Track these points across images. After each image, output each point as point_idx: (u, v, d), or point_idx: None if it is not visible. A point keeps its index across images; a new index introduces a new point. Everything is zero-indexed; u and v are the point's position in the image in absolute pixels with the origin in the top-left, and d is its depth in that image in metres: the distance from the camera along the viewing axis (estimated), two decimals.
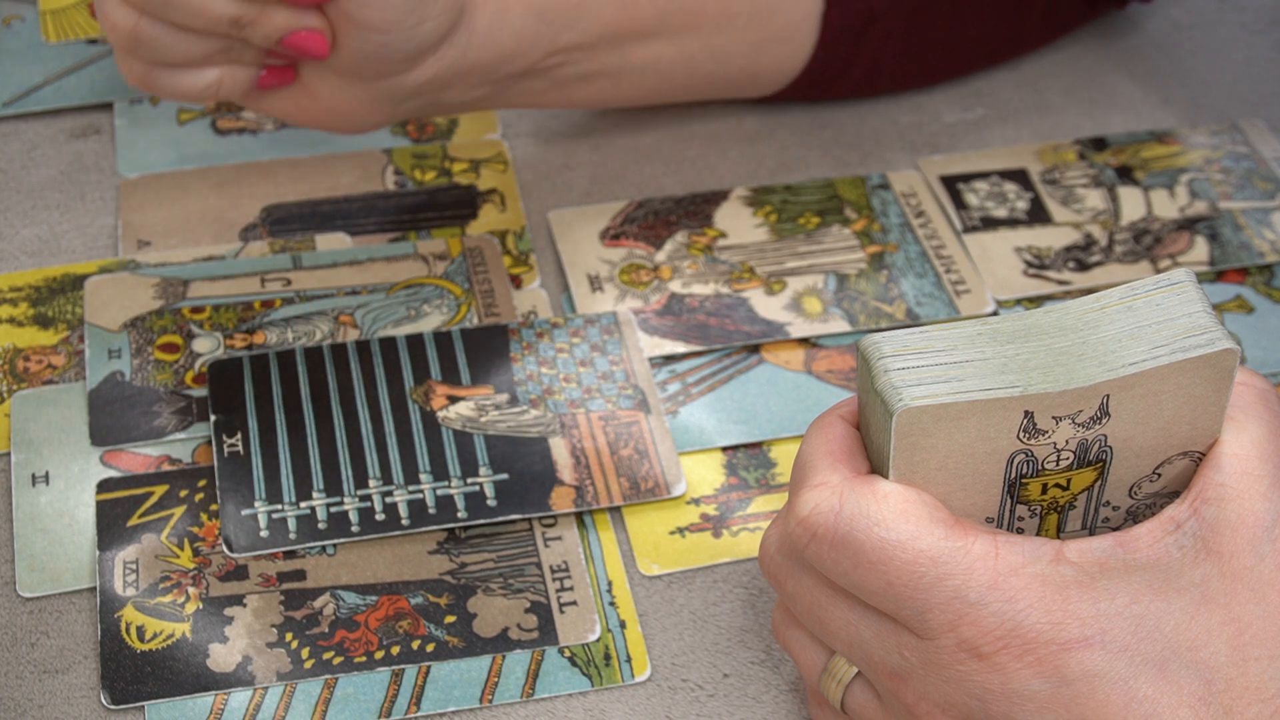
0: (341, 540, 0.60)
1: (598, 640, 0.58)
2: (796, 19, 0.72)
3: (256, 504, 0.61)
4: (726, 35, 0.71)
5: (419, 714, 0.56)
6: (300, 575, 0.59)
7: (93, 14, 0.83)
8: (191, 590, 0.58)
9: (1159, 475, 0.48)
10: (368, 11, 0.61)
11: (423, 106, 0.68)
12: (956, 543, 0.45)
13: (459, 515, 0.60)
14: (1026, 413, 0.45)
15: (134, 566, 0.59)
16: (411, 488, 0.61)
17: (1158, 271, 0.71)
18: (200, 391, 0.65)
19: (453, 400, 0.64)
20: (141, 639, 0.57)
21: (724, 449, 0.64)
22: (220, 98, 0.64)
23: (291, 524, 0.60)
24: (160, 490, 0.61)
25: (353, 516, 0.60)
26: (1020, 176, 0.76)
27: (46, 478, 0.62)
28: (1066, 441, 0.46)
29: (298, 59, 0.64)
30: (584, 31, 0.67)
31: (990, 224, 0.73)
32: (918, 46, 0.77)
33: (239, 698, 0.56)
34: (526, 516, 0.61)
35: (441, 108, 0.69)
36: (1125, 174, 0.76)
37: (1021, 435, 0.45)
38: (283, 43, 0.62)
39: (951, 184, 0.75)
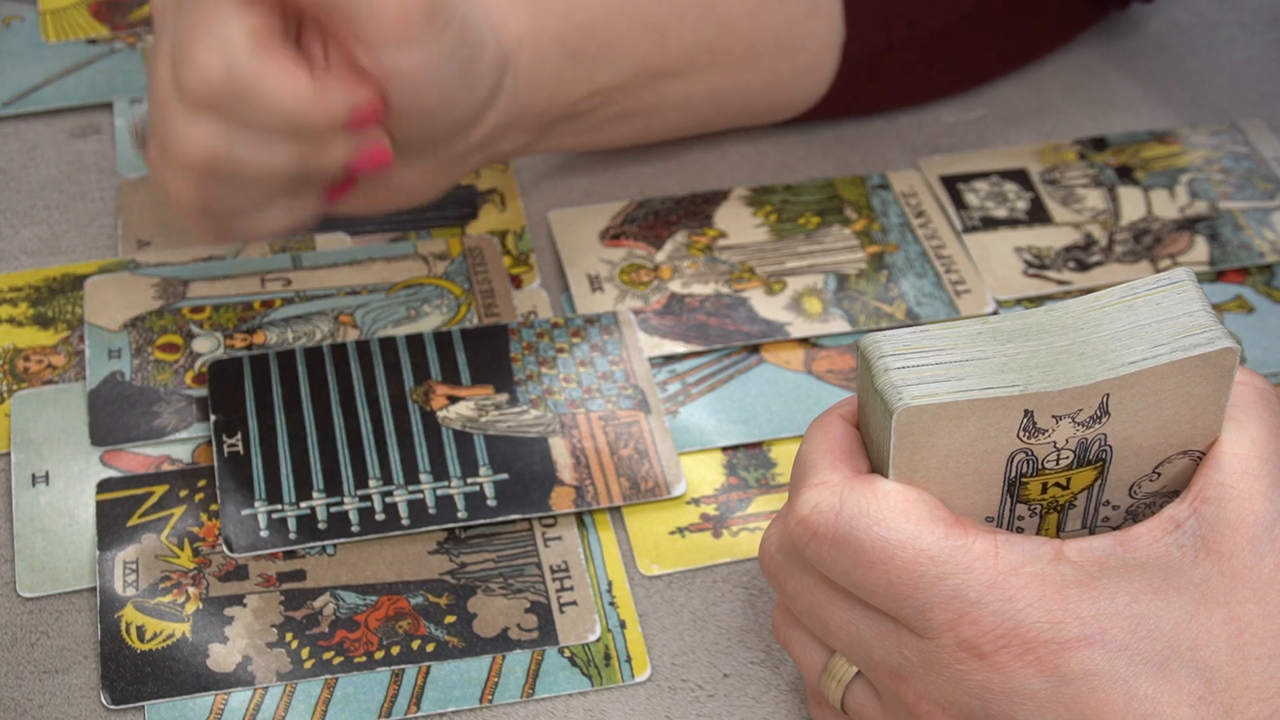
0: (341, 540, 0.60)
1: (598, 640, 0.58)
2: (818, 51, 0.73)
3: (256, 504, 0.61)
4: (753, 71, 0.72)
5: (419, 714, 0.56)
6: (300, 575, 0.59)
7: (93, 14, 0.83)
8: (191, 590, 0.58)
9: (1159, 474, 0.48)
10: (422, 99, 0.59)
11: (481, 161, 0.68)
12: (956, 542, 0.45)
13: (459, 515, 0.60)
14: (1026, 411, 0.45)
15: (134, 566, 0.59)
16: (411, 488, 0.61)
17: (1158, 271, 0.71)
18: (200, 391, 0.65)
19: (453, 400, 0.64)
20: (141, 639, 0.57)
21: (724, 449, 0.64)
22: (293, 230, 0.62)
23: (291, 524, 0.60)
24: (160, 490, 0.61)
25: (353, 516, 0.60)
26: (1020, 176, 0.76)
27: (46, 478, 0.62)
28: (1066, 440, 0.46)
29: (365, 177, 0.63)
30: (619, 70, 0.68)
31: (990, 224, 0.73)
32: (936, 68, 0.77)
33: (239, 698, 0.56)
34: (526, 516, 0.61)
35: (496, 158, 0.69)
36: (1125, 174, 0.76)
37: (1021, 434, 0.45)
38: (349, 169, 0.60)
39: (951, 184, 0.76)
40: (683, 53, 0.69)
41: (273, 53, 0.56)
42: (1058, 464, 0.47)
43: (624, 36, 0.68)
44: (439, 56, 0.58)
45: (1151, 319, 0.45)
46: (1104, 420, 0.46)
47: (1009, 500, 0.48)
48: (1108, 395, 0.45)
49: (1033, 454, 0.46)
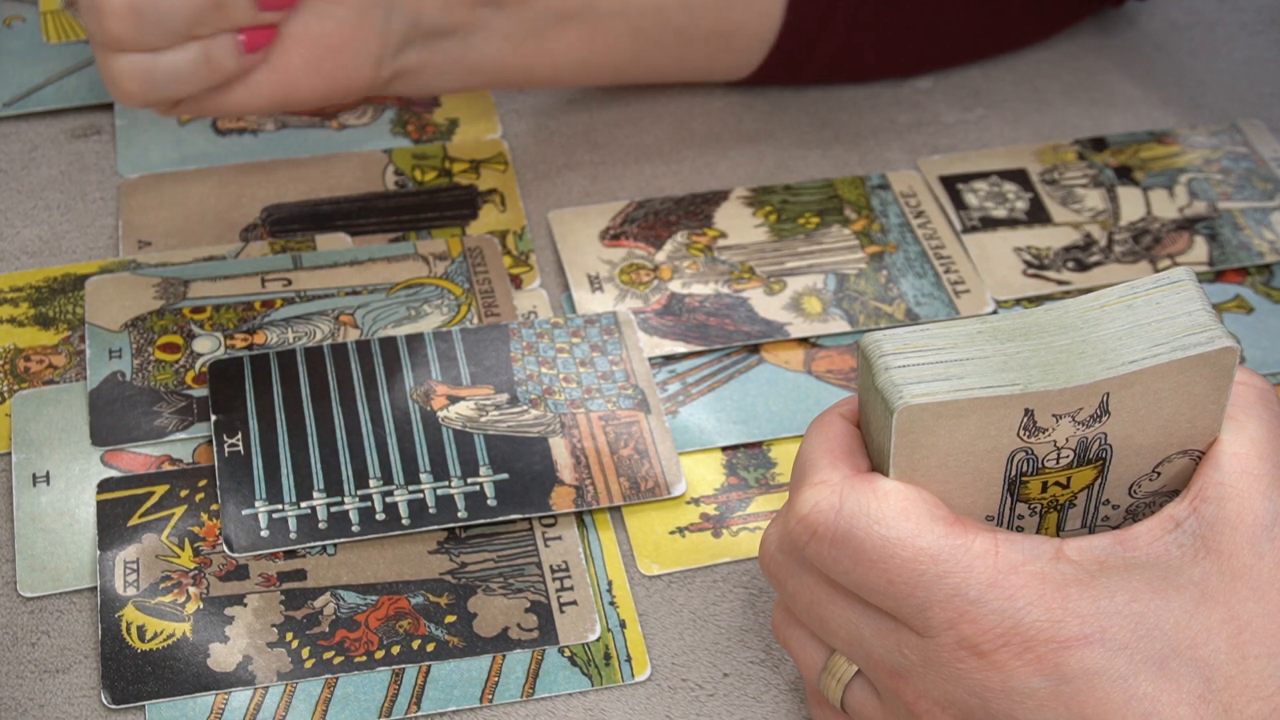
0: (342, 540, 0.60)
1: (598, 640, 0.58)
2: None
3: (257, 504, 0.61)
4: None
5: (419, 714, 0.56)
6: (301, 575, 0.59)
7: None
8: (192, 590, 0.58)
9: (1159, 474, 0.48)
10: None
11: (407, 43, 0.67)
12: (956, 540, 0.45)
13: (459, 515, 0.60)
14: (1027, 410, 0.45)
15: (134, 566, 0.59)
16: (412, 487, 0.61)
17: (1157, 271, 0.71)
18: (201, 391, 0.65)
19: (453, 400, 0.64)
20: (142, 639, 0.57)
21: (724, 449, 0.64)
22: (213, 77, 0.63)
23: (292, 524, 0.60)
24: (161, 490, 0.61)
25: (353, 516, 0.60)
26: (1020, 176, 0.76)
27: (47, 477, 0.62)
28: (1066, 439, 0.46)
29: (278, 9, 0.63)
30: None
31: (990, 224, 0.73)
32: (891, 28, 0.77)
33: (239, 697, 0.56)
34: (526, 516, 0.61)
35: (431, 63, 0.68)
36: (1125, 174, 0.76)
37: (1022, 433, 0.45)
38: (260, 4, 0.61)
39: (951, 184, 0.76)
40: None
41: None
42: (1058, 463, 0.47)
43: None
44: None
45: (1151, 318, 0.45)
46: (1104, 419, 0.46)
47: (1009, 499, 0.48)
48: (1108, 394, 0.45)
49: (1033, 453, 0.46)
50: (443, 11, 0.67)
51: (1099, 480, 0.48)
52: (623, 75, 0.75)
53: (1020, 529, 0.49)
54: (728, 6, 0.73)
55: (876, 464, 0.48)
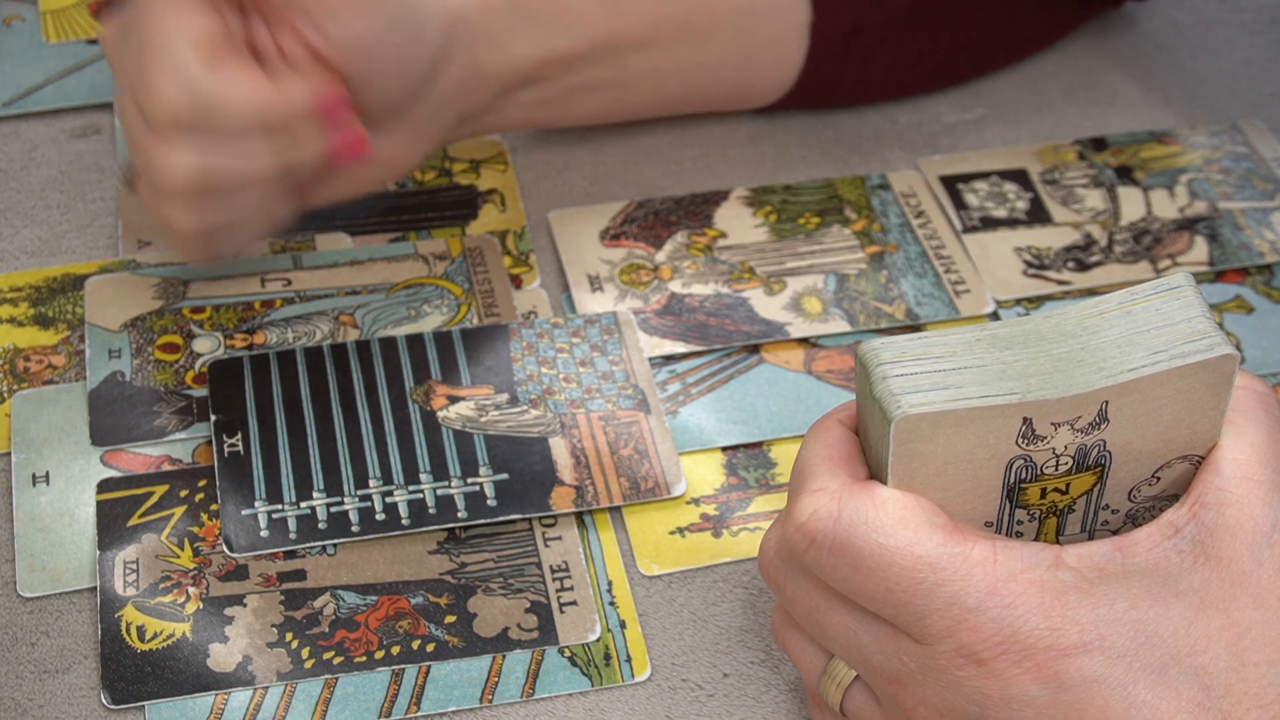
0: (342, 540, 0.60)
1: (598, 640, 0.58)
2: (784, 29, 0.73)
3: (257, 504, 0.61)
4: (717, 45, 0.72)
5: (419, 714, 0.56)
6: (300, 575, 0.59)
7: (93, 14, 0.83)
8: (192, 590, 0.58)
9: (1158, 479, 0.48)
10: (375, 64, 0.62)
11: (455, 129, 0.69)
12: (955, 548, 0.45)
13: (459, 515, 0.60)
14: (1025, 419, 0.45)
15: (134, 566, 0.59)
16: (412, 488, 0.61)
17: (1157, 271, 0.71)
18: (200, 391, 0.65)
19: (453, 400, 0.64)
20: (142, 639, 0.57)
21: (724, 449, 0.64)
22: (276, 232, 0.66)
23: (292, 524, 0.60)
24: (160, 490, 0.62)
25: (353, 516, 0.60)
26: (1020, 176, 0.76)
27: (47, 478, 0.62)
28: (1065, 446, 0.46)
29: (348, 167, 0.64)
30: (575, 36, 0.68)
31: (990, 224, 0.73)
32: (910, 55, 0.77)
33: (239, 697, 0.56)
34: (526, 516, 0.61)
35: (471, 128, 0.70)
36: (1125, 174, 0.76)
37: (1020, 441, 0.45)
38: (331, 161, 0.62)
39: (951, 184, 0.76)
40: (642, 22, 0.70)
41: (226, 61, 0.59)
42: (1057, 469, 0.47)
43: (578, 1, 0.68)
44: (383, 19, 0.61)
45: (1150, 325, 0.45)
46: (1103, 427, 0.46)
47: (1008, 506, 0.48)
48: (1107, 402, 0.45)
49: (1031, 460, 0.46)
50: (477, 100, 0.68)
51: (1098, 486, 0.48)
52: (641, 118, 0.77)
53: (1019, 535, 0.49)
54: (749, 62, 0.74)
55: (875, 471, 0.48)
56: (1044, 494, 0.47)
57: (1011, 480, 0.47)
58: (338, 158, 0.62)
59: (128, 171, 0.65)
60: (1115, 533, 0.49)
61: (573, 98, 0.71)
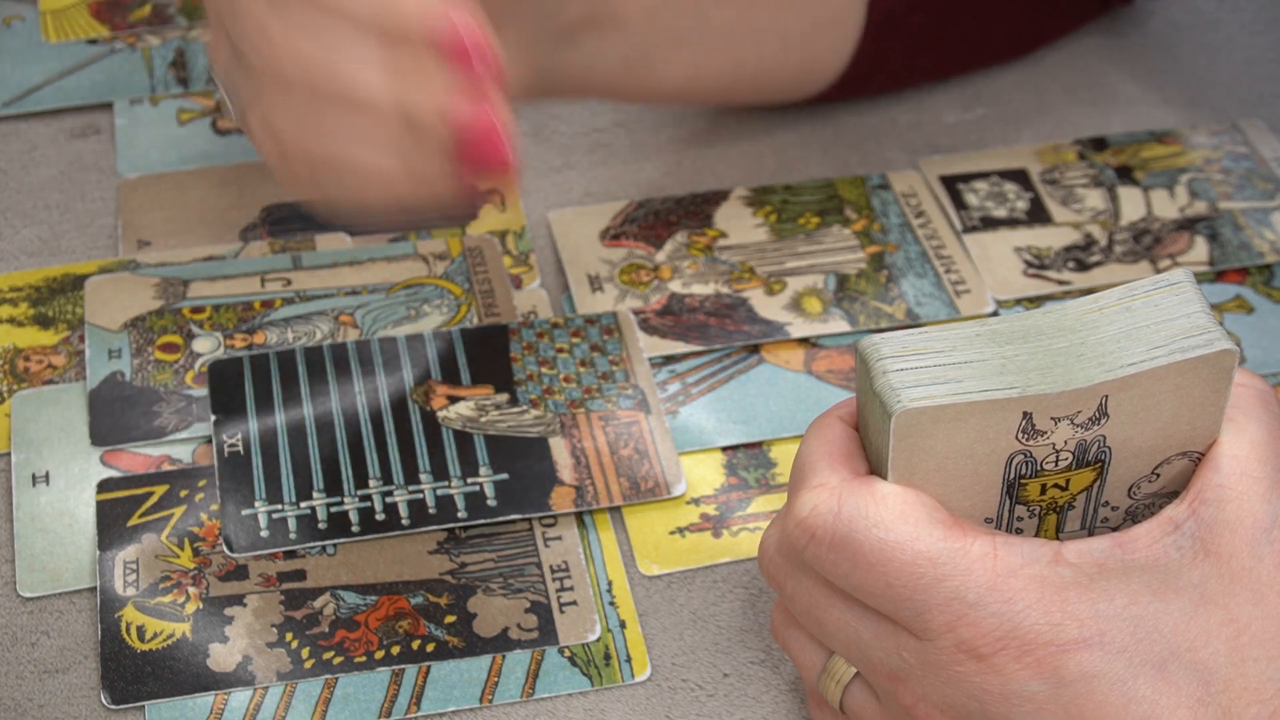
0: (341, 540, 0.60)
1: (598, 640, 0.58)
2: (844, 3, 0.73)
3: (256, 504, 0.61)
4: (785, 10, 0.71)
5: (419, 714, 0.56)
6: (300, 575, 0.59)
7: (93, 14, 0.83)
8: (191, 590, 0.58)
9: (1158, 475, 0.48)
10: None
11: (550, 52, 0.63)
12: (955, 544, 0.45)
13: (459, 515, 0.60)
14: (1025, 414, 0.45)
15: (134, 566, 0.59)
16: (411, 488, 0.61)
17: (1157, 271, 0.71)
18: (200, 391, 0.65)
19: (453, 400, 0.64)
20: (142, 639, 0.57)
21: (724, 449, 0.64)
22: (429, 205, 0.54)
23: (292, 524, 0.60)
24: (160, 490, 0.61)
25: (353, 516, 0.60)
26: (1020, 176, 0.76)
27: (47, 478, 0.62)
28: (1065, 442, 0.46)
29: (484, 175, 0.53)
30: None
31: (990, 224, 0.73)
32: (952, 37, 0.77)
33: (239, 697, 0.56)
34: (526, 516, 0.61)
35: (558, 83, 0.65)
36: (1125, 174, 0.76)
37: (1020, 436, 0.45)
38: (463, 162, 0.52)
39: (951, 184, 0.76)
40: None
41: None
42: (1056, 465, 0.47)
43: None
44: None
45: (1150, 320, 0.45)
46: (1103, 422, 0.46)
47: (1008, 502, 0.48)
48: (1106, 397, 0.45)
49: (1031, 455, 0.46)
50: (580, 19, 0.64)
51: (1098, 482, 0.48)
52: (716, 101, 0.76)
53: (1019, 531, 0.49)
54: (815, 35, 0.73)
55: (875, 467, 0.48)
56: (1044, 490, 0.47)
57: (1011, 476, 0.47)
58: (472, 161, 0.52)
59: (227, 97, 0.57)
60: (1115, 530, 0.49)
61: (657, 54, 0.69)
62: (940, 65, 0.79)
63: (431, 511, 0.60)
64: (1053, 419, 0.45)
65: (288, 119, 0.52)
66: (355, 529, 0.60)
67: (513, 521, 0.61)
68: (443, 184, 0.53)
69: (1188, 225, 0.73)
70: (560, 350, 0.67)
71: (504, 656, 0.57)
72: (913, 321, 0.69)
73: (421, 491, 0.61)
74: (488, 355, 0.66)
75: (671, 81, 0.71)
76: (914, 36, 0.76)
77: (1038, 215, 0.74)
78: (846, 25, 0.74)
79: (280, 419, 0.63)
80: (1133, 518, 0.49)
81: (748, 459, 0.64)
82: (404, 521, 0.60)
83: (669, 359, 0.67)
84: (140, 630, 0.57)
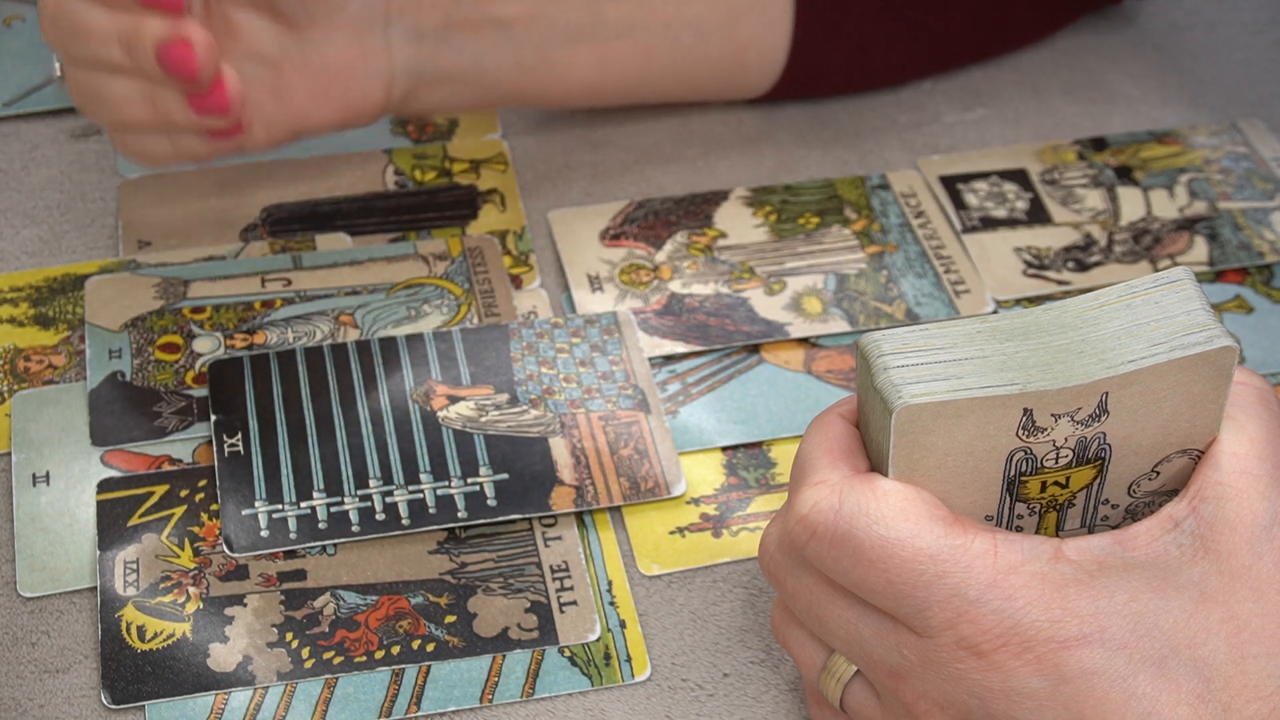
0: (342, 540, 0.60)
1: (598, 640, 0.58)
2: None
3: (257, 504, 0.61)
4: (696, 2, 0.71)
5: (419, 714, 0.56)
6: (300, 575, 0.59)
7: None
8: (192, 590, 0.58)
9: (1158, 473, 0.48)
10: None
11: (408, 50, 0.67)
12: (955, 540, 0.45)
13: (459, 515, 0.60)
14: (1025, 410, 0.45)
15: (134, 566, 0.59)
16: (412, 488, 0.61)
17: (1157, 272, 0.71)
18: (200, 391, 0.65)
19: (453, 400, 0.64)
20: (142, 639, 0.57)
21: (724, 449, 0.64)
22: (181, 157, 0.65)
23: (292, 524, 0.60)
24: (160, 490, 0.62)
25: (353, 516, 0.60)
26: (1020, 176, 0.76)
27: (47, 478, 0.62)
28: (1065, 439, 0.46)
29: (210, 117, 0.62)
30: None
31: (990, 224, 0.73)
32: (899, 36, 0.77)
33: (239, 697, 0.56)
34: (526, 516, 0.61)
35: (440, 97, 0.68)
36: (1125, 174, 0.76)
37: (1021, 433, 0.45)
38: (158, 59, 0.59)
39: (951, 184, 0.76)
40: None
41: None
42: (1057, 462, 0.47)
43: None
44: None
45: (1150, 318, 0.45)
46: (1103, 419, 0.46)
47: (1008, 499, 0.48)
48: (1106, 394, 0.45)
49: (1032, 452, 0.46)
50: (444, 20, 0.67)
51: (1098, 480, 0.48)
52: (635, 97, 0.75)
53: (1019, 529, 0.49)
54: (735, 24, 0.73)
55: (875, 464, 0.48)
56: (1044, 488, 0.47)
57: (1012, 473, 0.47)
58: (162, 61, 0.59)
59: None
60: (1115, 528, 0.49)
61: (554, 56, 0.69)
62: (895, 65, 0.79)
63: (431, 511, 0.60)
64: (1053, 416, 0.45)
65: None
66: (355, 529, 0.60)
67: (513, 521, 0.61)
68: (181, 117, 0.61)
69: (1187, 225, 0.74)
70: (560, 350, 0.67)
71: (504, 656, 0.57)
72: (912, 321, 0.69)
73: (421, 491, 0.61)
74: (488, 355, 0.66)
75: (578, 79, 0.71)
76: (855, 34, 0.75)
77: (1037, 215, 0.74)
78: (771, 13, 0.73)
79: (280, 419, 0.63)
80: (1133, 515, 0.49)
81: (748, 459, 0.64)
82: (404, 521, 0.60)
83: (669, 359, 0.67)
84: (140, 630, 0.57)
